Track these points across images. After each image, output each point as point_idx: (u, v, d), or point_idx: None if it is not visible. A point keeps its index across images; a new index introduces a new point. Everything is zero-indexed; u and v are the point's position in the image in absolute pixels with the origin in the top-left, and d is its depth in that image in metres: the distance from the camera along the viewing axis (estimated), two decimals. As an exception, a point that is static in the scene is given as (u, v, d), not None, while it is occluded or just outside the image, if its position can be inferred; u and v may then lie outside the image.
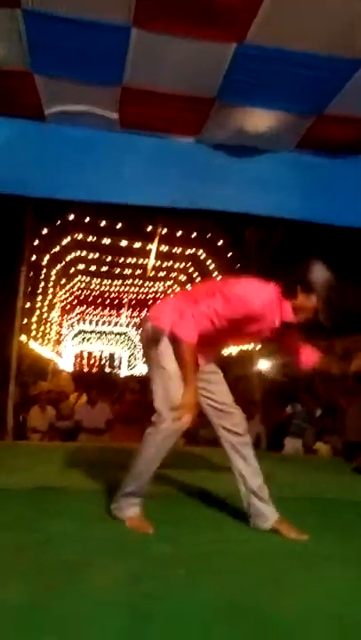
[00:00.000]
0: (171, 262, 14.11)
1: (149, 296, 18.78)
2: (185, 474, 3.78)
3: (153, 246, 11.60)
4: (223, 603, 1.71)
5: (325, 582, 1.96)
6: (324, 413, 7.55)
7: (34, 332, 13.27)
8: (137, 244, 11.66)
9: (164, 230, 10.80)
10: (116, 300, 18.99)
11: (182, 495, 3.22)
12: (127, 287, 16.68)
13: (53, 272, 13.61)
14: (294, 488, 3.59)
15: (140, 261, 13.23)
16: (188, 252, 13.13)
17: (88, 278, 15.38)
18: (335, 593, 1.86)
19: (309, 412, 7.22)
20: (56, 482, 3.34)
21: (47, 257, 12.17)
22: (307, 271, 2.47)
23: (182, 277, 15.98)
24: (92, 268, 13.89)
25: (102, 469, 3.70)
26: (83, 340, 30.94)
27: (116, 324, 26.10)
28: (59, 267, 13.50)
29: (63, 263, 13.39)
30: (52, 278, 13.93)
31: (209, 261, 13.66)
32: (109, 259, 12.89)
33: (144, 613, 1.60)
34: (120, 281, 15.63)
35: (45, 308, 14.44)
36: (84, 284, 16.13)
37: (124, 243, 11.40)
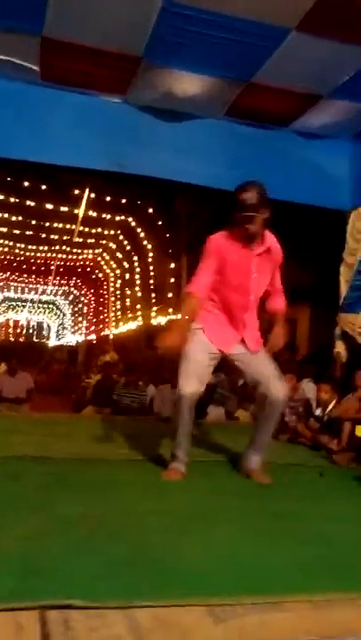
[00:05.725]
0: (100, 229, 13.80)
1: (78, 263, 18.36)
2: (106, 440, 3.80)
3: (80, 211, 11.22)
4: (114, 556, 1.74)
5: (224, 536, 2.04)
6: (246, 382, 7.75)
7: None
8: (64, 208, 11.24)
9: (92, 195, 10.47)
10: (43, 267, 18.40)
11: (103, 459, 3.24)
12: (54, 253, 16.16)
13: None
14: (212, 451, 3.71)
15: (68, 226, 12.80)
16: (118, 218, 12.87)
17: (11, 242, 14.71)
18: (232, 544, 1.96)
19: (232, 382, 7.39)
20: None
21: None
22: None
23: (112, 245, 15.71)
24: (16, 231, 13.29)
25: (22, 437, 3.65)
26: (8, 308, 29.95)
27: (43, 293, 25.40)
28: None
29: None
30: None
31: (139, 229, 13.50)
32: (34, 222, 12.36)
33: (34, 570, 1.58)
34: (46, 246, 15.09)
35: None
36: (7, 249, 15.42)
37: (49, 206, 10.95)
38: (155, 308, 14.23)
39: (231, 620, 1.34)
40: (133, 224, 13.24)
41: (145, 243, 13.78)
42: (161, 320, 13.31)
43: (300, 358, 9.52)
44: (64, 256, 16.54)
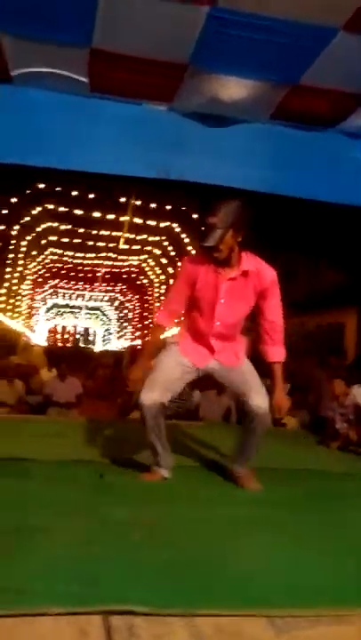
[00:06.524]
0: (145, 235, 13.95)
1: (124, 270, 18.61)
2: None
3: (126, 218, 11.39)
4: (172, 563, 1.74)
5: (276, 545, 2.02)
6: (293, 388, 7.65)
7: (3, 305, 13.03)
8: (110, 216, 11.43)
9: (138, 202, 10.60)
10: (90, 274, 18.77)
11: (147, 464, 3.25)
12: (101, 260, 16.47)
13: (24, 243, 13.31)
14: (260, 458, 3.66)
15: (114, 234, 13.01)
16: (163, 225, 12.96)
17: (60, 250, 15.08)
18: (285, 554, 1.93)
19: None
20: (21, 453, 3.32)
21: (17, 227, 11.86)
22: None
23: (157, 251, 15.85)
24: (65, 239, 13.62)
25: (69, 441, 3.71)
26: (56, 314, 30.67)
27: (90, 299, 25.90)
28: (29, 237, 13.19)
29: (34, 234, 13.09)
30: (23, 249, 13.63)
31: (184, 235, 13.56)
32: (82, 230, 12.64)
33: (92, 575, 1.59)
34: (93, 254, 15.39)
35: (15, 281, 14.17)
36: (56, 257, 15.83)
37: (97, 214, 11.15)
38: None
39: (293, 631, 1.32)
40: (178, 230, 13.31)
41: (189, 248, 13.82)
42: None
43: (349, 363, 9.31)
44: (110, 263, 16.81)
